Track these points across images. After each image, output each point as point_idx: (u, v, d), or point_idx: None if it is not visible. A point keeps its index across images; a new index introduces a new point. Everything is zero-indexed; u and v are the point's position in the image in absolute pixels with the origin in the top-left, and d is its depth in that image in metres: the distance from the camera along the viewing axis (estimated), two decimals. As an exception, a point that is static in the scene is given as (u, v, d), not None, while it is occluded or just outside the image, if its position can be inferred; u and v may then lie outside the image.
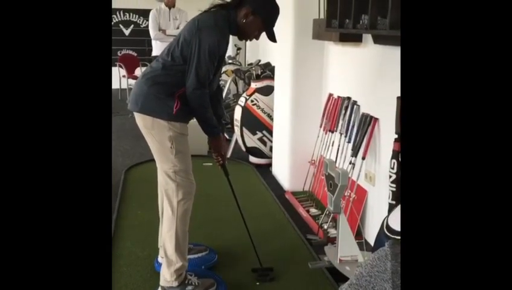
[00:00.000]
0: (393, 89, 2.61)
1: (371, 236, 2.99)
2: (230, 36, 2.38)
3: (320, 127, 3.70)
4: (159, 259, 2.66)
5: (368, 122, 2.99)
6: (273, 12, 2.36)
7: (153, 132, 2.28)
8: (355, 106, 3.24)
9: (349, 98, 3.32)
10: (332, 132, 3.49)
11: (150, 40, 6.00)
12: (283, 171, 4.14)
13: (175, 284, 2.32)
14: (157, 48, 5.68)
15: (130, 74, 8.14)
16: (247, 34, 2.37)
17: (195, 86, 2.18)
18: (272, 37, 2.39)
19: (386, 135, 2.83)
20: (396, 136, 2.55)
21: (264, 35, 2.40)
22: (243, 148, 4.71)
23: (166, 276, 2.32)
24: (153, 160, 2.43)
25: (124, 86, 8.16)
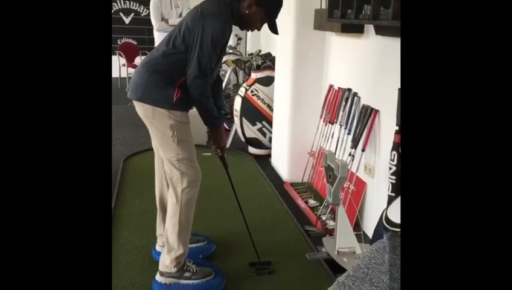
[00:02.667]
0: (394, 80, 2.59)
1: (369, 228, 2.98)
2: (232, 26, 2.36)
3: (320, 118, 3.69)
4: (157, 247, 2.66)
5: (368, 114, 2.98)
6: (276, 4, 2.35)
7: (154, 121, 2.27)
8: (355, 98, 3.22)
9: (349, 90, 3.30)
10: (332, 124, 3.48)
11: (150, 29, 5.93)
12: (282, 162, 4.13)
13: (174, 270, 2.33)
14: (160, 38, 5.61)
15: (130, 62, 8.10)
16: (249, 24, 2.36)
17: (196, 75, 2.15)
18: (274, 29, 2.37)
19: (386, 127, 2.82)
20: (397, 127, 2.53)
21: (265, 26, 2.38)
22: (242, 139, 4.69)
23: (166, 262, 2.33)
24: (152, 149, 2.41)
25: (124, 74, 8.13)
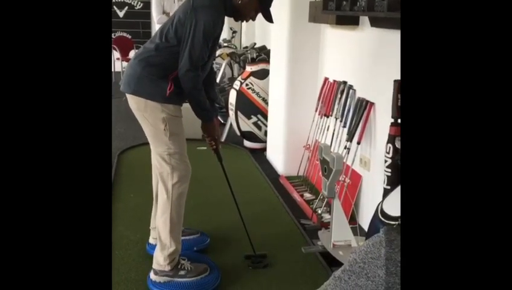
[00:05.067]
0: (390, 73, 2.57)
1: (364, 221, 2.98)
2: (226, 18, 2.34)
3: (316, 111, 3.67)
4: (151, 240, 2.64)
5: (363, 107, 2.97)
6: None
7: (146, 114, 2.25)
8: (351, 90, 3.21)
9: (345, 82, 3.29)
10: (328, 117, 3.46)
11: (145, 22, 5.88)
12: (277, 155, 4.12)
13: (167, 268, 2.30)
14: None
15: (124, 56, 8.05)
16: (243, 14, 2.34)
17: (188, 68, 2.14)
18: (269, 18, 2.36)
19: (382, 120, 2.81)
20: (392, 120, 2.52)
21: (260, 16, 2.36)
22: (238, 133, 4.68)
23: (160, 259, 2.31)
24: (147, 143, 2.40)
25: (118, 68, 8.09)
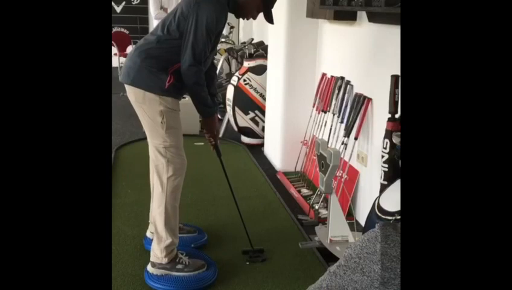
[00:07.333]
0: (387, 68, 2.57)
1: (362, 216, 2.99)
2: None
3: (313, 107, 3.67)
4: (148, 234, 2.65)
5: (361, 103, 2.96)
6: None
7: (144, 106, 2.25)
8: (348, 86, 3.20)
9: (342, 78, 3.29)
10: (325, 112, 3.46)
11: (142, 17, 5.87)
12: (275, 151, 4.12)
13: (165, 261, 2.31)
14: None
15: (122, 52, 8.02)
16: (245, 13, 2.35)
17: (190, 62, 2.14)
18: (270, 18, 2.36)
19: (379, 116, 2.80)
20: (389, 115, 2.52)
21: (260, 15, 2.37)
22: (235, 128, 4.67)
23: (157, 252, 2.32)
24: (144, 138, 2.40)
25: (116, 64, 8.06)
